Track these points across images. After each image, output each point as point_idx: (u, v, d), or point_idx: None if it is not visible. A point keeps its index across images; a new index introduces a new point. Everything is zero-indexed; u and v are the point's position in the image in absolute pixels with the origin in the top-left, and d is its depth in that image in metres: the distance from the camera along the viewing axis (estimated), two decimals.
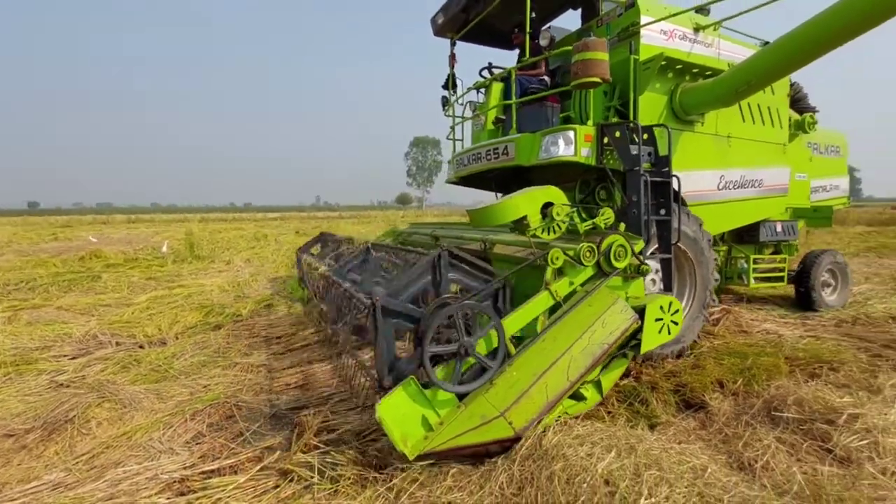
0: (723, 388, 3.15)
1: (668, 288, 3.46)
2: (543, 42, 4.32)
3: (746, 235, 5.28)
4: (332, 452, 2.25)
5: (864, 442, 2.23)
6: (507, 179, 5.21)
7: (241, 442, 2.65)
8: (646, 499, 1.72)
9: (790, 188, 5.32)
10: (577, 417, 2.55)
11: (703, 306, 4.05)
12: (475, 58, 5.64)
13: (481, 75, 5.25)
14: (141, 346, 4.36)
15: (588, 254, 2.70)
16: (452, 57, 5.46)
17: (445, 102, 5.49)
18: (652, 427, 2.69)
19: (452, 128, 5.52)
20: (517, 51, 5.33)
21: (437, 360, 2.29)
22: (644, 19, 4.00)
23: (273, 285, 7.07)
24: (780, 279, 5.41)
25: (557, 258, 2.66)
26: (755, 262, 5.26)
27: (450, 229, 5.05)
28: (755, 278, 5.25)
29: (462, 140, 5.47)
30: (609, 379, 2.81)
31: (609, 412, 2.82)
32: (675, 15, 4.06)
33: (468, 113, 5.45)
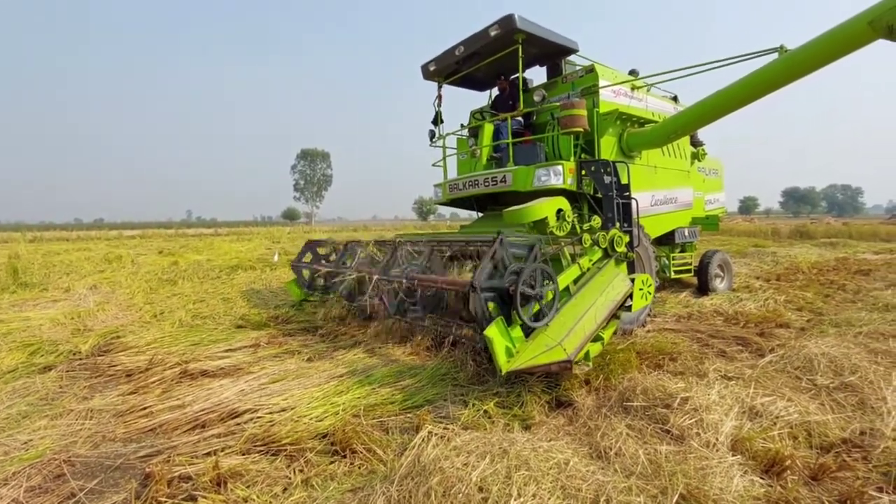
0: (588, 384, 3.47)
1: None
2: (537, 98, 5.50)
3: (664, 239, 6.73)
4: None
5: (693, 420, 2.62)
6: (486, 200, 6.48)
7: None
8: (515, 499, 1.79)
9: (693, 203, 7.04)
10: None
11: None
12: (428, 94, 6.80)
13: (475, 117, 6.71)
14: None
15: (602, 240, 4.07)
16: (439, 98, 6.53)
17: (433, 136, 6.56)
18: (527, 428, 2.85)
19: (444, 158, 6.64)
20: (486, 92, 7.01)
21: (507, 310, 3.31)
22: (602, 82, 5.44)
23: (126, 314, 6.13)
24: (689, 271, 7.02)
25: (587, 241, 3.99)
26: (673, 258, 6.78)
27: (446, 236, 5.72)
28: (674, 271, 6.78)
29: (444, 167, 6.65)
30: (608, 332, 3.84)
31: (490, 418, 2.94)
32: (624, 82, 5.69)
33: (451, 144, 6.73)
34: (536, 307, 3.40)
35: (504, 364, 2.97)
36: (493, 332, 3.05)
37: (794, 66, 4.29)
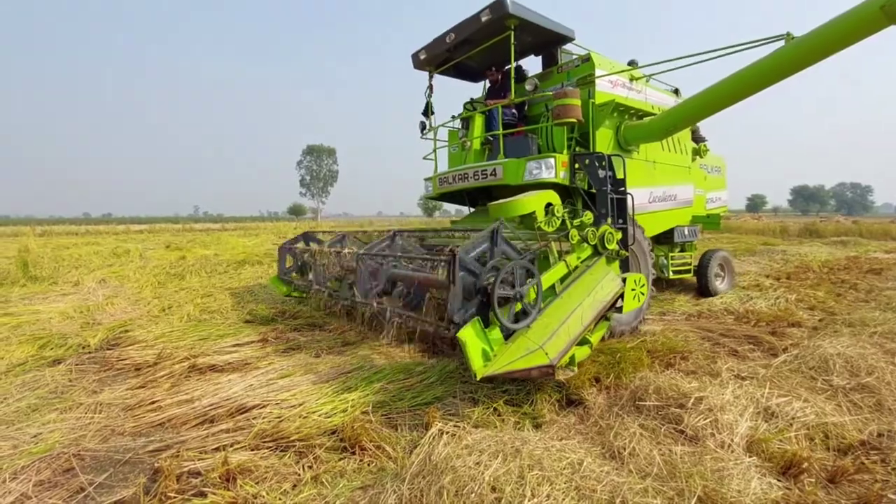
0: (599, 383, 3.43)
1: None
2: (529, 87, 5.38)
3: (663, 238, 6.47)
4: (195, 500, 1.97)
5: (707, 420, 2.57)
6: (477, 195, 6.23)
7: (82, 499, 2.21)
8: (529, 500, 1.76)
9: (694, 201, 6.75)
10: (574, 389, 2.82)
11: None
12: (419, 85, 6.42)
13: (465, 107, 6.29)
14: None
15: (591, 236, 3.80)
16: (430, 88, 6.23)
17: (424, 127, 6.25)
18: (538, 427, 2.82)
19: (434, 150, 6.29)
20: (481, 83, 6.62)
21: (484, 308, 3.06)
22: (598, 72, 5.17)
23: (135, 308, 6.15)
24: (689, 271, 6.79)
25: (575, 237, 3.73)
26: (672, 258, 6.55)
27: (435, 236, 5.56)
28: (673, 271, 6.55)
29: (435, 160, 6.30)
30: (597, 335, 3.60)
31: (500, 416, 2.91)
32: (621, 72, 5.39)
33: (442, 136, 6.48)
34: (518, 306, 3.15)
35: (479, 369, 2.74)
36: (468, 333, 2.82)
37: (801, 54, 4.05)
